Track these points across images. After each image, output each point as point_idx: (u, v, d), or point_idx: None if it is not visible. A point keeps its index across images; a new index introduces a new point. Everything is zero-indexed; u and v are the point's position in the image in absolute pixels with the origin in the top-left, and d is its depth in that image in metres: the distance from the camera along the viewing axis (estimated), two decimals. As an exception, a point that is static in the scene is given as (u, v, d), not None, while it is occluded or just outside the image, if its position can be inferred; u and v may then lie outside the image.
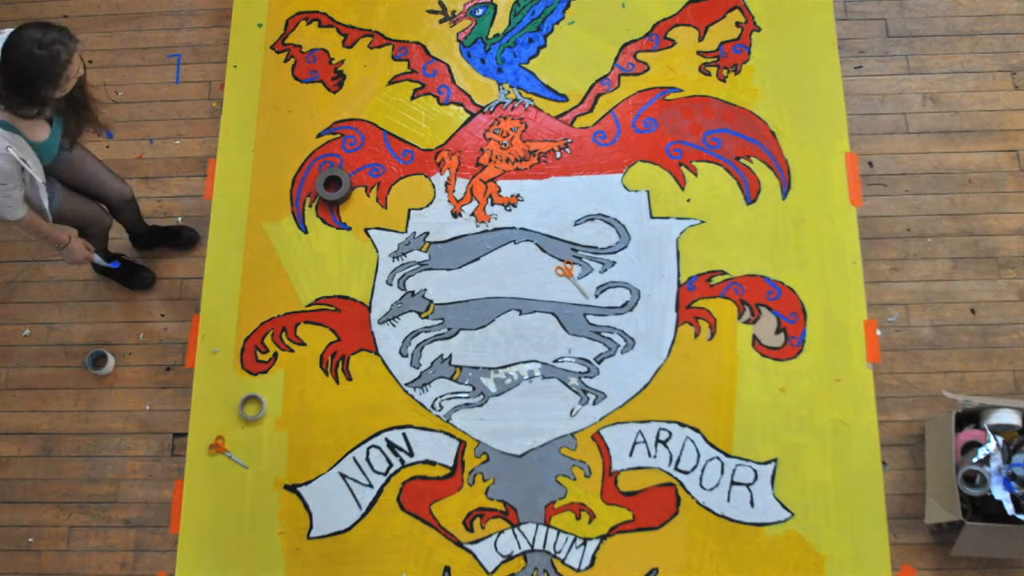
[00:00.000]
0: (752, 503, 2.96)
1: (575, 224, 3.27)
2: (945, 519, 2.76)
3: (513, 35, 3.53)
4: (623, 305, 3.17)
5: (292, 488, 3.07)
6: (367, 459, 3.08)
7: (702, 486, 2.98)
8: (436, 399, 3.12)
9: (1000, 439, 2.77)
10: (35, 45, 2.14)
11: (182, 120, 3.54)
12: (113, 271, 3.25)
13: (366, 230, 3.33)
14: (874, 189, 3.25)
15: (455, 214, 3.32)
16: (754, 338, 3.11)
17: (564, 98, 3.43)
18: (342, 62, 3.54)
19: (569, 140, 3.37)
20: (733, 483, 2.98)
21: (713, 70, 3.41)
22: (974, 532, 2.69)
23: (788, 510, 2.94)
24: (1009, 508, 2.68)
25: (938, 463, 2.83)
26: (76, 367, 3.28)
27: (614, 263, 3.22)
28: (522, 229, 3.28)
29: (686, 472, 3.00)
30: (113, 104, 3.57)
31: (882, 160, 3.28)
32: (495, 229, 3.29)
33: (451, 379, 3.14)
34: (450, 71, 3.51)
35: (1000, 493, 2.69)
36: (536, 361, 3.14)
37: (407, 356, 3.17)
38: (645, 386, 3.09)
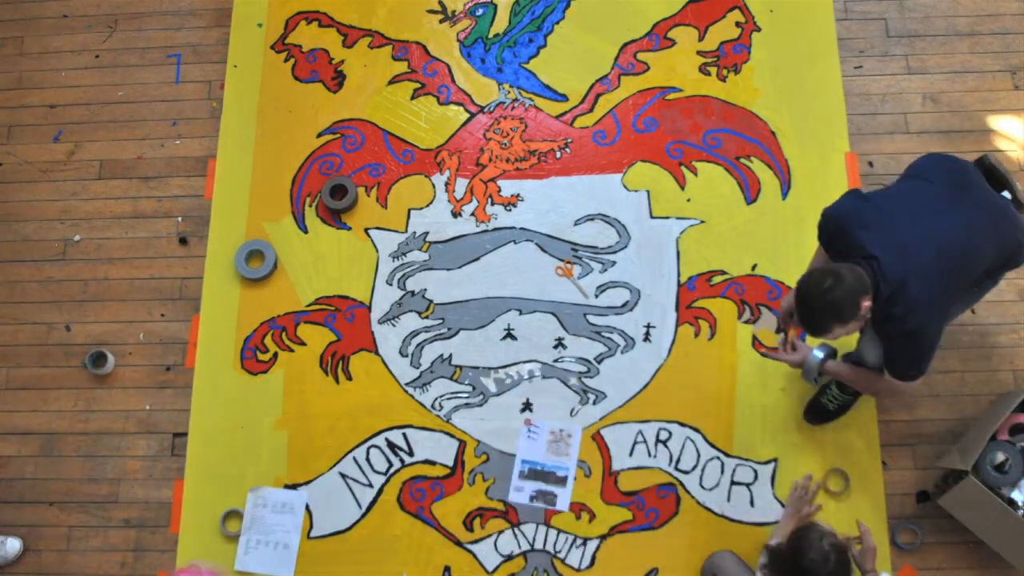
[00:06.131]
0: (752, 503, 2.96)
1: (575, 224, 3.27)
2: (956, 466, 2.72)
3: (513, 35, 3.53)
4: (623, 305, 3.17)
5: (292, 488, 3.07)
6: (367, 459, 3.08)
7: (702, 486, 2.98)
8: (436, 399, 3.12)
9: None
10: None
11: (182, 120, 3.54)
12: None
13: (366, 230, 3.33)
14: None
15: (455, 214, 3.32)
16: (754, 338, 3.11)
17: (564, 98, 3.43)
18: (342, 62, 3.54)
19: (569, 140, 3.37)
20: (733, 483, 2.98)
21: (713, 70, 3.41)
22: (970, 489, 2.64)
23: (788, 510, 2.95)
24: (1018, 497, 2.64)
25: (983, 425, 2.79)
26: (76, 367, 3.28)
27: (614, 263, 3.22)
28: (522, 229, 3.28)
29: (686, 472, 3.00)
30: (114, 104, 3.58)
31: (882, 160, 3.28)
32: (495, 229, 3.29)
33: (451, 379, 3.14)
34: (450, 71, 3.51)
35: (1020, 494, 2.65)
36: (536, 361, 3.14)
37: (407, 356, 3.17)
38: (645, 386, 3.09)
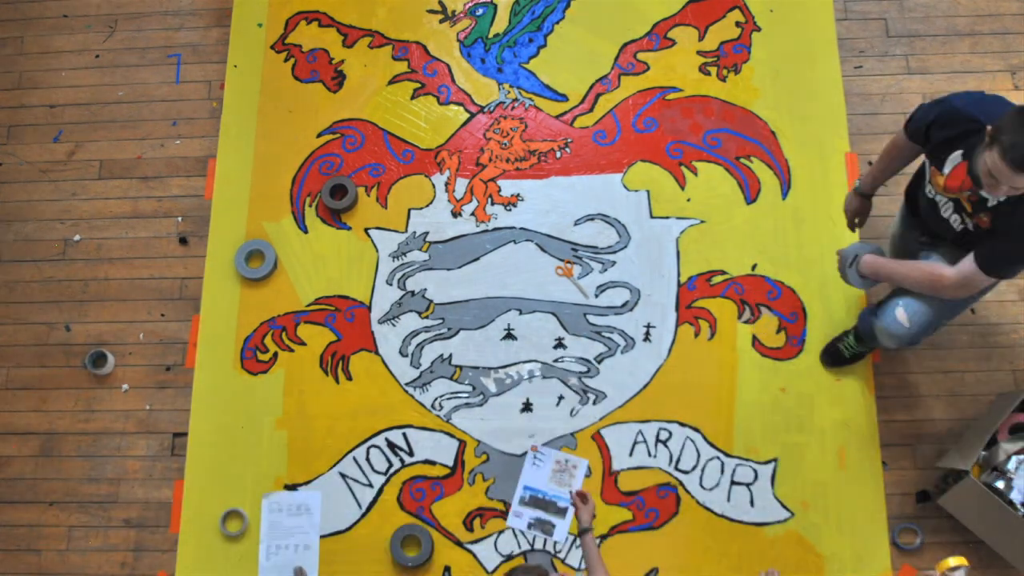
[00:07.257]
0: (752, 503, 2.96)
1: (575, 224, 3.27)
2: (955, 466, 2.73)
3: (513, 35, 3.53)
4: (623, 305, 3.17)
5: (292, 488, 3.07)
6: (367, 459, 3.08)
7: (702, 486, 2.98)
8: (436, 399, 3.12)
9: None
10: None
11: (182, 120, 3.54)
12: None
13: (366, 230, 3.33)
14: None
15: (455, 214, 3.32)
16: (754, 338, 3.11)
17: (564, 98, 3.43)
18: (342, 62, 3.54)
19: (569, 140, 3.37)
20: (733, 483, 2.98)
21: (713, 70, 3.41)
22: (970, 489, 2.64)
23: (788, 510, 2.95)
24: (1017, 498, 2.64)
25: (983, 425, 2.80)
26: (76, 367, 3.28)
27: (614, 263, 3.22)
28: (522, 229, 3.28)
29: (686, 472, 3.00)
30: (114, 104, 3.58)
31: (882, 160, 3.27)
32: (495, 229, 3.29)
33: (451, 379, 3.14)
34: (450, 71, 3.51)
35: (1020, 495, 2.65)
36: (536, 361, 3.14)
37: (407, 356, 3.17)
38: (645, 386, 3.09)
